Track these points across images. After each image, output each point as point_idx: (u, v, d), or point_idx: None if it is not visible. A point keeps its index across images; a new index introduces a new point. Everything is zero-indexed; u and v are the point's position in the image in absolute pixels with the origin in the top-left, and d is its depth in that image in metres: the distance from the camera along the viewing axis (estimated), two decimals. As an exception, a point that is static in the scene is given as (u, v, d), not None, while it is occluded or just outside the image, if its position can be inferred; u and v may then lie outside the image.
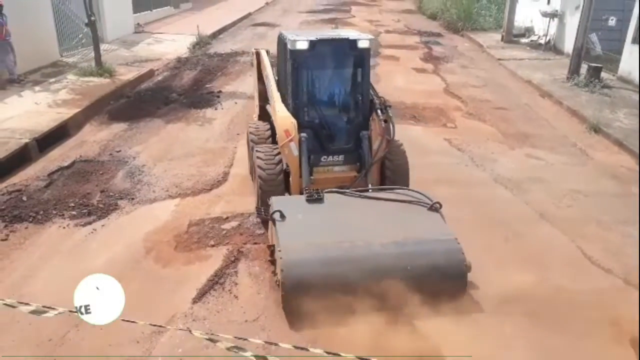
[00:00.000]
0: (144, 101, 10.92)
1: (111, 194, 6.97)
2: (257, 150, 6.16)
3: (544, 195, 7.24)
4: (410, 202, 5.32)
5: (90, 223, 6.28)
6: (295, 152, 5.88)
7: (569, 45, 14.62)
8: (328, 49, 6.12)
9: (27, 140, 8.06)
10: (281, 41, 6.57)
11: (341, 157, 6.21)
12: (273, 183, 5.88)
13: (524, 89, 12.85)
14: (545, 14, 16.47)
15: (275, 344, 3.10)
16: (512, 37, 18.01)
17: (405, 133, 9.46)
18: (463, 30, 20.24)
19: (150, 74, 12.94)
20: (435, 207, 5.20)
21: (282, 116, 6.03)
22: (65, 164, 7.82)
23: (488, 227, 6.34)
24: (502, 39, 18.07)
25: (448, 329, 4.42)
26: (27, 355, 4.26)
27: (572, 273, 5.49)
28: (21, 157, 7.81)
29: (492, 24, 20.46)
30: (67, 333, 4.40)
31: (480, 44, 17.88)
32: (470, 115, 10.67)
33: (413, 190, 5.52)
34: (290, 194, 5.99)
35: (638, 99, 11.19)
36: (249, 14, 23.51)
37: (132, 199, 6.89)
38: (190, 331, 3.19)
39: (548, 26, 16.55)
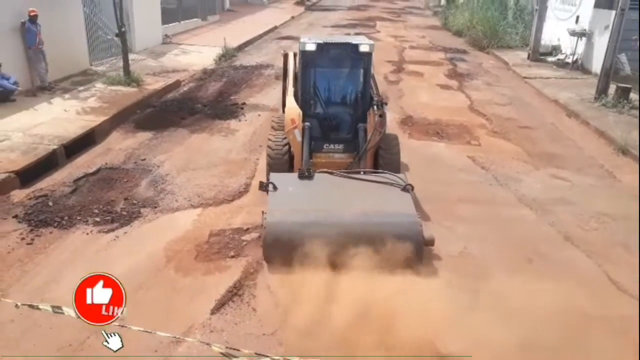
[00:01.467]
0: (170, 111, 11.09)
1: (135, 201, 7.07)
2: (269, 135, 7.23)
3: (569, 217, 7.09)
4: (387, 183, 6.11)
5: (113, 230, 6.36)
6: (299, 138, 6.82)
7: (597, 65, 14.42)
8: (333, 51, 7.01)
9: (55, 147, 8.24)
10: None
11: (341, 146, 7.07)
12: (279, 162, 6.83)
13: (550, 108, 12.68)
14: (573, 33, 16.29)
15: (293, 360, 3.09)
16: (539, 55, 17.83)
17: (428, 149, 9.48)
18: (489, 47, 20.12)
19: (177, 84, 13.16)
20: (407, 189, 5.97)
21: (290, 107, 7.04)
22: (91, 170, 7.97)
23: (511, 247, 6.24)
24: (528, 57, 17.90)
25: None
26: (48, 356, 4.32)
27: (598, 298, 5.33)
28: (49, 163, 7.99)
29: (518, 42, 20.29)
30: (87, 339, 4.43)
31: (506, 62, 17.75)
32: (495, 133, 10.56)
33: (393, 175, 6.27)
34: None
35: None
36: (275, 28, 23.80)
37: (155, 207, 6.97)
38: (210, 345, 3.20)
39: (576, 45, 16.36)
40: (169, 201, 7.15)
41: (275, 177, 6.20)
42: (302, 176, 6.22)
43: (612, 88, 12.50)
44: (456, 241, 6.26)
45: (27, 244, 5.99)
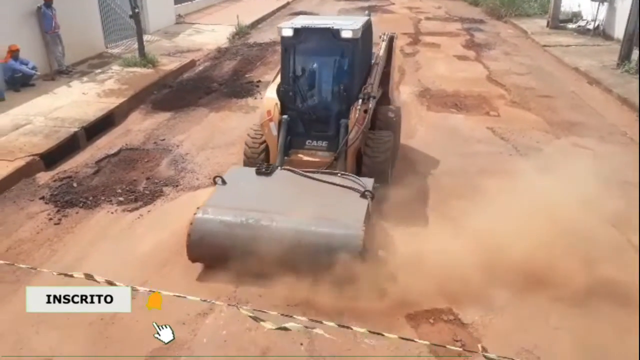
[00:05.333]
0: (186, 91, 11.14)
1: (156, 181, 7.17)
2: (249, 129, 6.74)
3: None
4: (348, 187, 5.49)
5: (137, 209, 6.49)
6: (274, 132, 6.26)
7: (619, 31, 14.03)
8: (312, 37, 6.21)
9: (76, 129, 8.37)
10: None
11: (324, 143, 6.37)
12: (254, 156, 6.42)
13: (571, 77, 12.41)
14: (594, -2, 15.84)
15: (319, 322, 3.18)
16: (559, 22, 17.39)
17: (447, 121, 9.40)
18: (506, 16, 19.68)
19: (192, 64, 13.17)
20: (365, 195, 5.31)
21: (267, 97, 6.51)
22: (112, 152, 8.09)
23: (536, 220, 6.12)
24: (547, 25, 17.47)
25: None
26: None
27: (622, 264, 5.29)
28: (71, 146, 8.13)
29: (536, 9, 19.80)
30: (118, 312, 4.53)
31: (525, 30, 17.36)
32: (514, 103, 10.41)
33: (358, 179, 5.64)
34: None
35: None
36: (288, 3, 23.54)
37: (176, 185, 7.07)
38: (238, 307, 3.30)
39: (597, 11, 15.90)
40: (189, 179, 7.24)
41: (232, 170, 6.01)
42: (259, 172, 5.78)
43: (635, 54, 12.17)
44: (479, 216, 6.17)
45: (55, 224, 6.15)
